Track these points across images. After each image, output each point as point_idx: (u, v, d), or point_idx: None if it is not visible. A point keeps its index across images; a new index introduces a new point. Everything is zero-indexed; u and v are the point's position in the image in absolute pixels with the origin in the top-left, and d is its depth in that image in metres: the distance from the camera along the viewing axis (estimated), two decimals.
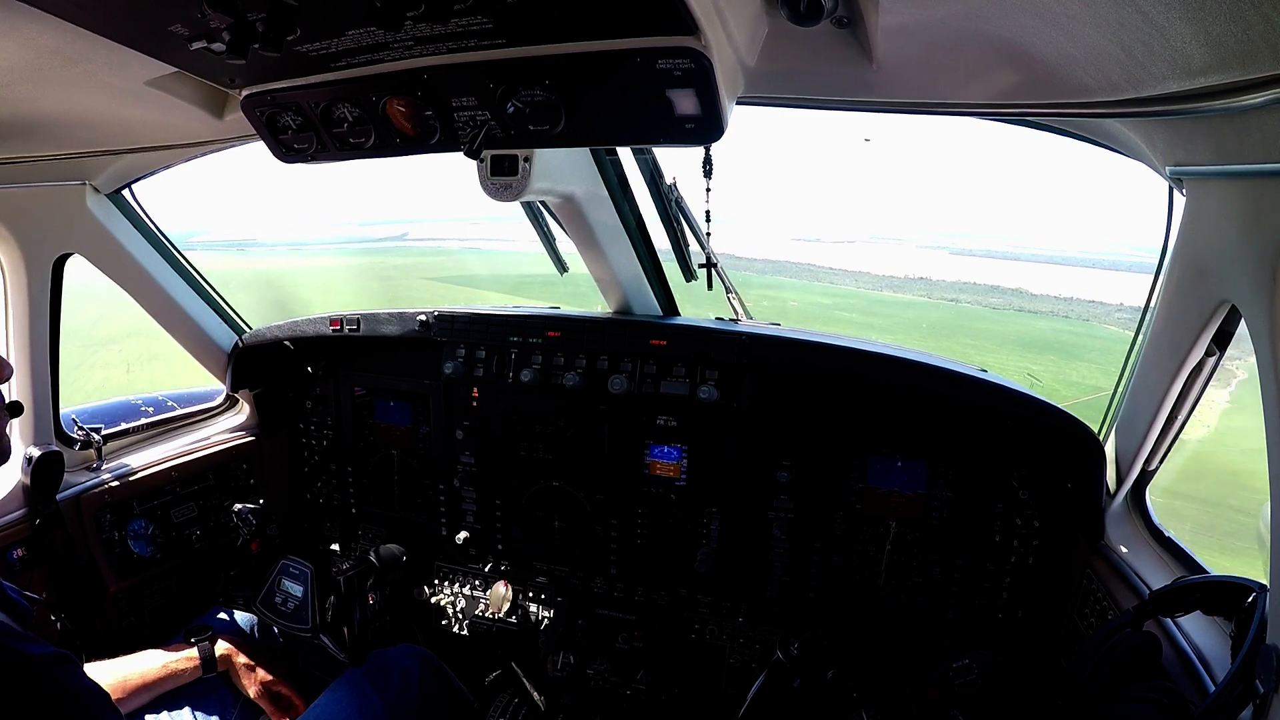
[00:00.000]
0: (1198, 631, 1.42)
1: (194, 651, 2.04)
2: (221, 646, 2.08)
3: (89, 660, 1.84)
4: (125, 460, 2.43)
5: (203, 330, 2.59)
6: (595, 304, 2.50)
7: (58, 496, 2.19)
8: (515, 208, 2.14)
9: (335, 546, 2.89)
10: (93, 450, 2.35)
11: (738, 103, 1.24)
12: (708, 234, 2.16)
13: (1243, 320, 1.22)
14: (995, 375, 2.03)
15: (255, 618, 2.27)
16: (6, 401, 1.46)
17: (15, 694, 1.14)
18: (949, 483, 2.07)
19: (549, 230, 2.33)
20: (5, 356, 1.68)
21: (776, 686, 1.94)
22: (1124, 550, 1.77)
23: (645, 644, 2.39)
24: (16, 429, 2.17)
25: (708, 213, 2.06)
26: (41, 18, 0.95)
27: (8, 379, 1.50)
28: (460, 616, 2.70)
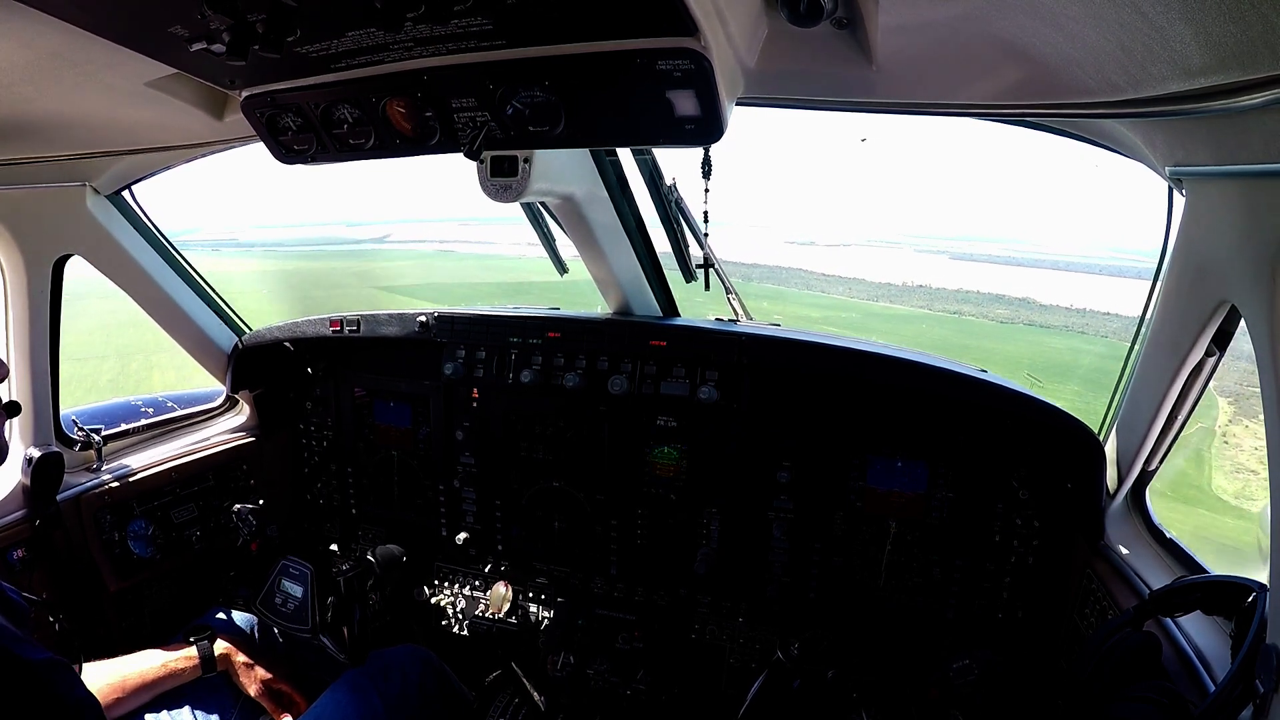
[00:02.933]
0: (1198, 631, 1.42)
1: (193, 651, 2.04)
2: (221, 646, 2.08)
3: (88, 660, 1.84)
4: (125, 461, 2.43)
5: (203, 331, 2.60)
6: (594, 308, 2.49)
7: (58, 497, 2.19)
8: (509, 208, 2.14)
9: (335, 547, 2.88)
10: (93, 451, 2.35)
11: (737, 103, 1.24)
12: (705, 234, 2.16)
13: (1243, 320, 1.22)
14: (995, 375, 2.03)
15: (255, 618, 2.27)
16: (4, 401, 1.46)
17: (9, 698, 1.13)
18: (949, 483, 2.07)
19: (549, 231, 2.33)
20: (4, 358, 1.68)
21: (776, 686, 1.94)
22: (1124, 550, 1.77)
23: (645, 644, 2.39)
24: (16, 429, 2.17)
25: (705, 213, 2.06)
26: (41, 19, 0.95)
27: (4, 378, 1.50)
28: (460, 617, 2.70)
